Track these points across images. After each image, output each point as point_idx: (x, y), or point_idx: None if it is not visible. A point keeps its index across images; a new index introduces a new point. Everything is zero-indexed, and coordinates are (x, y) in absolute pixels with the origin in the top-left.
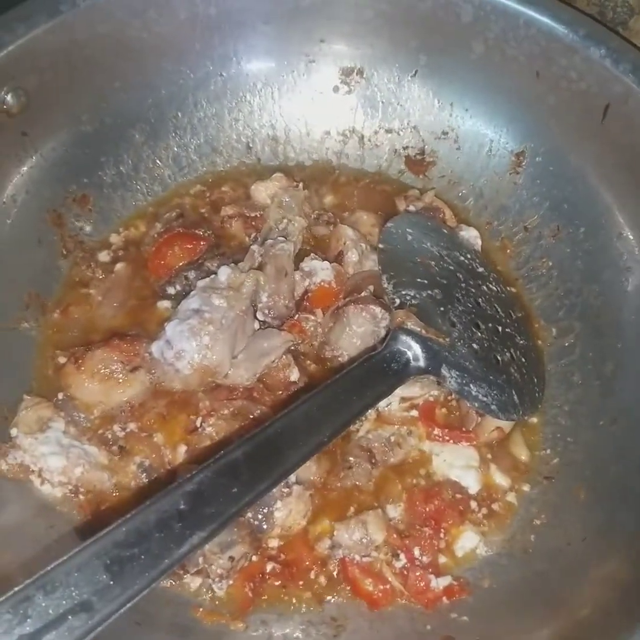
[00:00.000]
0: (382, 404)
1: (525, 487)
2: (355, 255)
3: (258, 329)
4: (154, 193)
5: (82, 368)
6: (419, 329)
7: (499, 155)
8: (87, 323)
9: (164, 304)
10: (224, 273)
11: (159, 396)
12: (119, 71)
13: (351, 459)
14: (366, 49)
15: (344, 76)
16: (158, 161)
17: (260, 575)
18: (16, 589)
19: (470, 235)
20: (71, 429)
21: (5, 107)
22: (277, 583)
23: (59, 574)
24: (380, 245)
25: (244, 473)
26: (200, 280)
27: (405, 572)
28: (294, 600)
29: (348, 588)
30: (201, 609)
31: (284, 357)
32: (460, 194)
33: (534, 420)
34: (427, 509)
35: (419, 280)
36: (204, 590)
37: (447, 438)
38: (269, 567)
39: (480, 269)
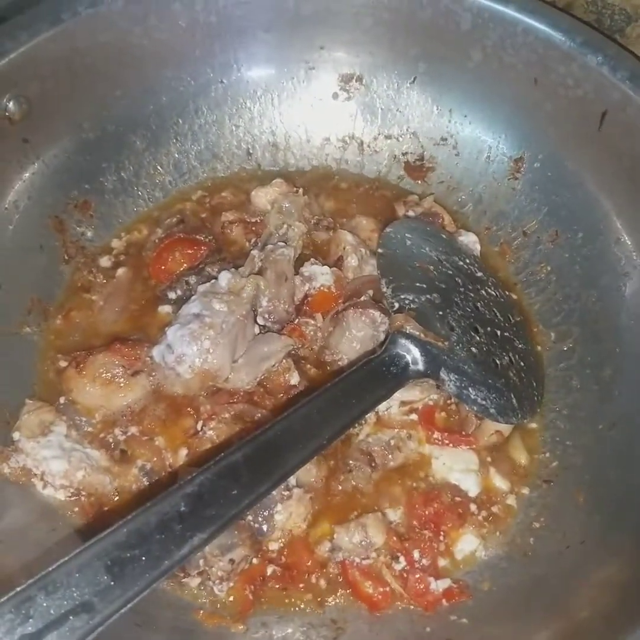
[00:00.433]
0: (381, 407)
1: (525, 491)
2: (355, 260)
3: (258, 334)
4: (155, 199)
5: (84, 372)
6: (417, 333)
7: (498, 161)
8: (88, 328)
9: (165, 308)
10: (225, 278)
11: (160, 400)
12: (120, 78)
13: (351, 462)
14: (366, 56)
15: (344, 83)
16: (159, 167)
17: (261, 578)
18: (18, 589)
19: (469, 240)
20: (73, 432)
21: (7, 114)
22: (277, 586)
23: (60, 574)
24: (380, 250)
25: (244, 475)
26: (201, 285)
27: (405, 575)
28: (295, 603)
29: (348, 591)
30: (202, 612)
31: (284, 361)
32: (459, 200)
33: (533, 424)
34: (427, 512)
35: (418, 284)
36: (205, 592)
37: (446, 441)
38: (269, 569)
39: (479, 274)
